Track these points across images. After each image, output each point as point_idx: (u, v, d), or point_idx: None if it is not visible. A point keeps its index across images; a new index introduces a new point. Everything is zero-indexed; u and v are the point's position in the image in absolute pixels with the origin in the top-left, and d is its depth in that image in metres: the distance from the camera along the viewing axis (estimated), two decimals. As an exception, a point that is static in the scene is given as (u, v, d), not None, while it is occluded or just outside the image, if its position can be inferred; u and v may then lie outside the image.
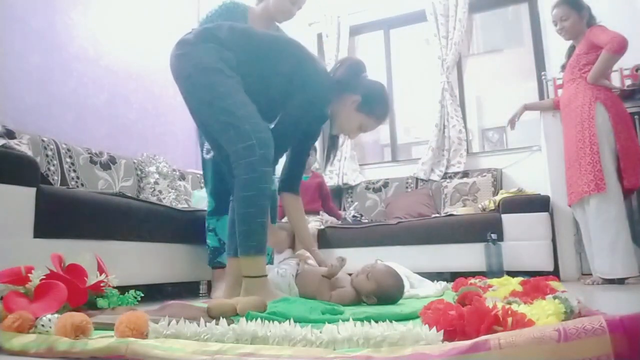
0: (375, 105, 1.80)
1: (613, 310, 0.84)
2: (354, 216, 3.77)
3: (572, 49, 2.83)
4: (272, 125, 1.76)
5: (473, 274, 2.43)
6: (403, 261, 2.43)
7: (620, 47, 2.46)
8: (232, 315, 1.18)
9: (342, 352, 0.76)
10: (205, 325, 0.91)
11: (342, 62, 1.84)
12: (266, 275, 1.58)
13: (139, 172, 3.16)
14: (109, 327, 1.00)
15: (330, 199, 3.85)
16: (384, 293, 1.62)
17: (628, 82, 3.10)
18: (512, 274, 2.49)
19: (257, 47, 1.71)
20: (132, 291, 1.57)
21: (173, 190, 3.18)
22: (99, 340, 0.88)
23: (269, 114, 1.76)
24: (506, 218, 3.08)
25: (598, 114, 2.59)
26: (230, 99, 1.58)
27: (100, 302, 1.43)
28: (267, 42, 1.73)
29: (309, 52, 1.78)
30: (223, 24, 1.73)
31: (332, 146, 1.97)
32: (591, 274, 2.72)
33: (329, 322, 0.93)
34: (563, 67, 2.90)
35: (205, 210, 2.44)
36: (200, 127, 1.91)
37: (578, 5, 2.70)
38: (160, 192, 3.12)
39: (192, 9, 4.27)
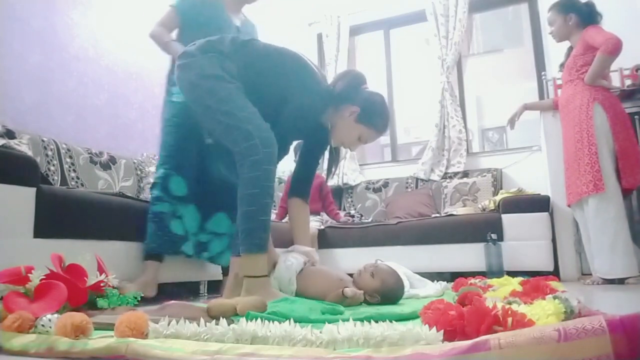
0: (375, 116, 1.81)
1: (613, 310, 0.84)
2: (352, 215, 3.78)
3: (570, 49, 2.84)
4: None
5: (473, 274, 2.44)
6: (403, 261, 2.43)
7: (615, 48, 2.47)
8: (232, 315, 1.18)
9: (342, 352, 0.76)
10: (205, 325, 0.91)
11: (342, 75, 1.87)
12: (267, 275, 1.58)
13: (139, 172, 3.16)
14: (109, 327, 1.00)
15: (331, 198, 3.84)
16: (389, 291, 1.62)
17: (628, 82, 3.10)
18: (512, 274, 2.49)
19: (255, 58, 1.76)
20: (132, 291, 1.57)
21: (173, 190, 3.18)
22: (99, 340, 0.88)
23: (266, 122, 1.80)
24: (506, 218, 3.08)
25: (596, 115, 2.59)
26: (231, 102, 1.62)
27: (100, 302, 1.43)
28: (264, 53, 1.77)
29: (302, 62, 1.80)
30: (225, 37, 1.79)
31: (332, 159, 2.00)
32: (591, 274, 2.72)
33: (329, 322, 0.93)
34: (562, 66, 2.91)
35: None
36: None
37: (563, 8, 2.74)
38: (160, 192, 3.11)
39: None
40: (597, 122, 2.58)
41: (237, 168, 1.59)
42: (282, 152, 1.81)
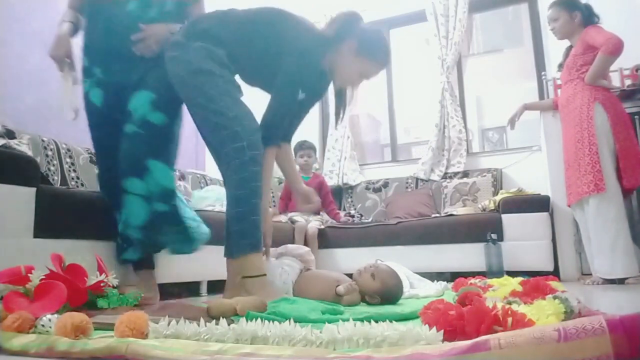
0: (374, 47, 1.77)
1: (613, 310, 0.84)
2: (352, 215, 3.78)
3: (569, 49, 2.83)
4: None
5: (473, 274, 2.44)
6: (403, 261, 2.43)
7: (616, 48, 2.47)
8: (232, 315, 1.18)
9: (342, 352, 0.76)
10: (205, 325, 0.91)
11: (335, 17, 1.81)
12: (265, 275, 1.57)
13: (139, 172, 3.15)
14: (109, 327, 1.00)
15: (330, 198, 3.84)
16: (388, 292, 1.62)
17: (628, 82, 3.09)
18: (512, 274, 2.49)
19: (239, 27, 1.73)
20: (132, 291, 1.57)
21: (173, 190, 3.17)
22: (99, 340, 0.88)
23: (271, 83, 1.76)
24: (506, 218, 3.08)
25: (597, 115, 2.59)
26: (221, 100, 1.60)
27: (100, 302, 1.43)
28: (247, 19, 1.75)
29: (288, 15, 1.77)
30: (203, 16, 1.78)
31: (339, 103, 1.96)
32: (591, 274, 2.72)
33: (329, 322, 0.93)
34: (560, 67, 2.90)
35: (207, 210, 2.41)
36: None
37: (569, 5, 2.71)
38: (160, 192, 3.10)
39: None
40: (598, 122, 2.58)
41: (223, 168, 1.60)
42: (288, 111, 1.74)
